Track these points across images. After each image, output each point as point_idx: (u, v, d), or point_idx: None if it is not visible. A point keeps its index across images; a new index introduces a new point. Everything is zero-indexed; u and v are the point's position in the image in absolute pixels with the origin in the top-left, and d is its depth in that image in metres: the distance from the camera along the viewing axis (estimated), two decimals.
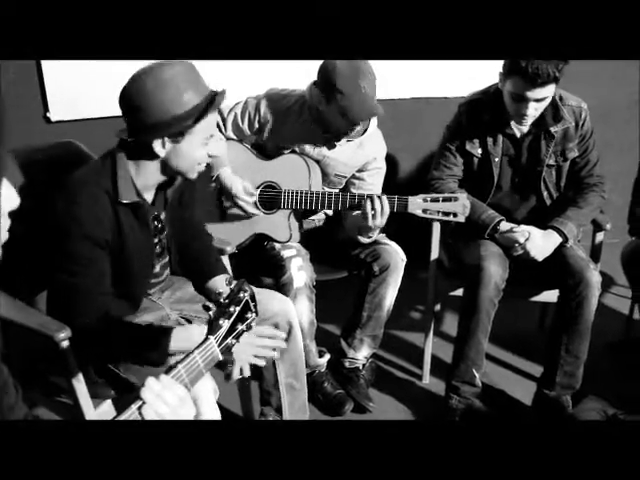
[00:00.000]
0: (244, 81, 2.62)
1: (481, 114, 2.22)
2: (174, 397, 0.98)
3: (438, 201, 2.02)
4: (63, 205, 1.50)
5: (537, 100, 2.04)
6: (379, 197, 2.03)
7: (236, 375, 1.68)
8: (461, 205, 2.00)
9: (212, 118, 1.53)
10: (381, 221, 2.04)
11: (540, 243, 2.16)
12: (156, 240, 1.71)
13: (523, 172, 2.27)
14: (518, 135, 2.21)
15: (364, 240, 2.20)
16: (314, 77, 2.14)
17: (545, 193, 2.28)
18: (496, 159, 2.23)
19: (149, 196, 1.64)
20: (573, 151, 2.23)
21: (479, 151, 2.25)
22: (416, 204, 2.03)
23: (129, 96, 1.48)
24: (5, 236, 0.79)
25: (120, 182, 1.52)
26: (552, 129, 2.18)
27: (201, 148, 1.54)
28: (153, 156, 1.52)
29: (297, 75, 2.29)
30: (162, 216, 1.71)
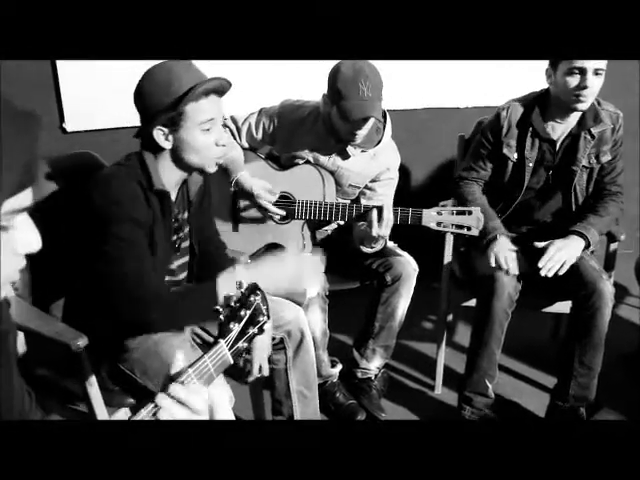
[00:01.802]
0: (258, 91, 2.64)
1: (521, 118, 2.23)
2: (199, 402, 0.99)
3: (452, 214, 2.01)
4: (100, 194, 1.55)
5: (595, 71, 2.04)
6: (387, 208, 2.03)
7: (255, 372, 1.71)
8: (475, 219, 2.00)
9: (205, 102, 1.56)
10: (385, 231, 2.04)
11: (566, 250, 2.14)
12: (174, 237, 1.75)
13: (556, 174, 2.27)
14: (555, 138, 2.22)
15: (366, 250, 2.19)
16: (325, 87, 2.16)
17: (573, 196, 2.28)
18: (530, 164, 2.24)
19: (172, 195, 1.69)
20: (607, 155, 2.24)
21: (515, 155, 2.26)
22: (430, 217, 2.03)
23: (133, 96, 1.61)
24: (17, 276, 0.80)
25: (152, 170, 1.61)
26: (593, 130, 2.20)
27: (202, 135, 1.57)
28: (161, 149, 1.60)
29: (309, 85, 2.30)
30: (183, 216, 1.76)
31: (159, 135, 1.57)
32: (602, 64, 2.04)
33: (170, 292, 1.65)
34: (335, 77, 2.08)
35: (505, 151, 2.26)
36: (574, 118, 2.19)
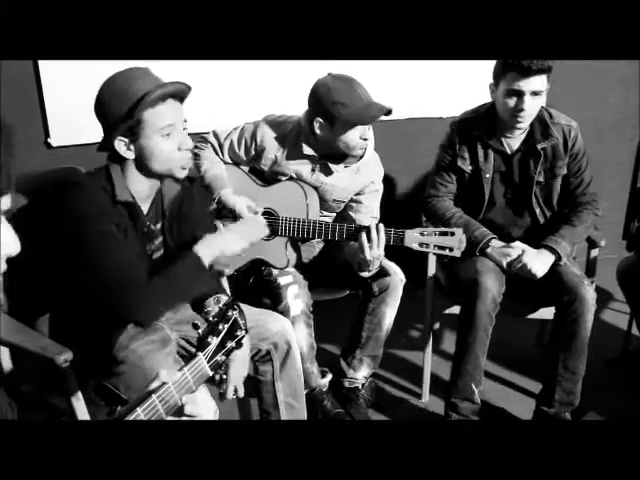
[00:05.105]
0: (242, 106, 2.66)
1: (472, 131, 2.26)
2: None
3: (435, 235, 2.01)
4: (70, 199, 1.57)
5: (532, 93, 2.07)
6: (376, 227, 2.02)
7: (230, 394, 1.71)
8: (457, 240, 2.00)
9: (163, 108, 1.54)
10: (378, 252, 2.03)
11: (536, 260, 2.18)
12: (146, 248, 1.74)
13: (515, 188, 2.30)
14: (509, 151, 2.25)
15: (365, 274, 2.15)
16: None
17: (538, 210, 2.30)
18: (487, 175, 2.26)
19: (144, 206, 1.69)
20: (562, 169, 2.26)
21: (469, 167, 2.28)
22: (413, 237, 2.02)
23: (94, 107, 1.61)
24: None
25: (116, 182, 1.60)
26: (539, 146, 2.22)
27: (163, 141, 1.56)
28: (124, 159, 1.59)
29: (295, 100, 2.31)
30: (155, 227, 1.74)
31: (121, 146, 1.56)
32: (541, 85, 2.07)
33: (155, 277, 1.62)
34: (328, 93, 2.08)
35: (459, 163, 2.29)
36: (523, 132, 2.22)
